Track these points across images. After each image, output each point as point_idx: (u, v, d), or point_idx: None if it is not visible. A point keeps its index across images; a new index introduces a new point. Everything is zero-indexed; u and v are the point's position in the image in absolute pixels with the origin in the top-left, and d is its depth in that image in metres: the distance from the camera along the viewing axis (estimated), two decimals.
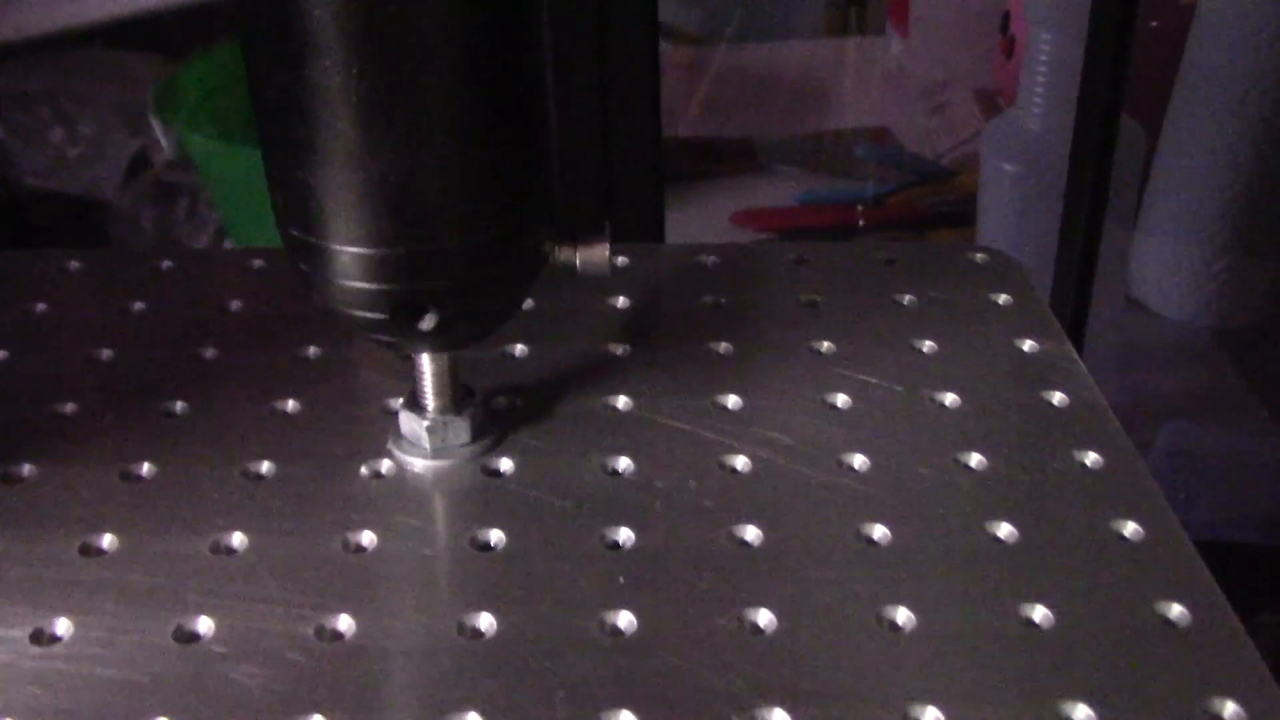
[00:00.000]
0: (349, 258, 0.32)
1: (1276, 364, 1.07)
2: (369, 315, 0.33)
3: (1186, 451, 0.93)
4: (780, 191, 1.25)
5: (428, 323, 0.33)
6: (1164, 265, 1.09)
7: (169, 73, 1.17)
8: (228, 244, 1.12)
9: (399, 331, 0.34)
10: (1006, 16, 1.18)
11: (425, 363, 0.36)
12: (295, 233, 0.33)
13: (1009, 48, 1.19)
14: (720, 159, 1.30)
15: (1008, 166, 0.93)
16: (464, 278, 0.33)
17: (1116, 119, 0.77)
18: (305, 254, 0.33)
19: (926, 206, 1.17)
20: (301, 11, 0.29)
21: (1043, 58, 0.89)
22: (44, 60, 1.22)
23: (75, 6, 1.21)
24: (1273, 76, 1.01)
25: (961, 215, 1.14)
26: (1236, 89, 1.01)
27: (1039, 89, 0.92)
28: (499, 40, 0.31)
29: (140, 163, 1.21)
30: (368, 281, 0.33)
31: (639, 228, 0.61)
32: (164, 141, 1.16)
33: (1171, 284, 1.08)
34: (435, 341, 0.35)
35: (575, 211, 0.37)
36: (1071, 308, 0.76)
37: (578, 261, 0.35)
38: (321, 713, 0.29)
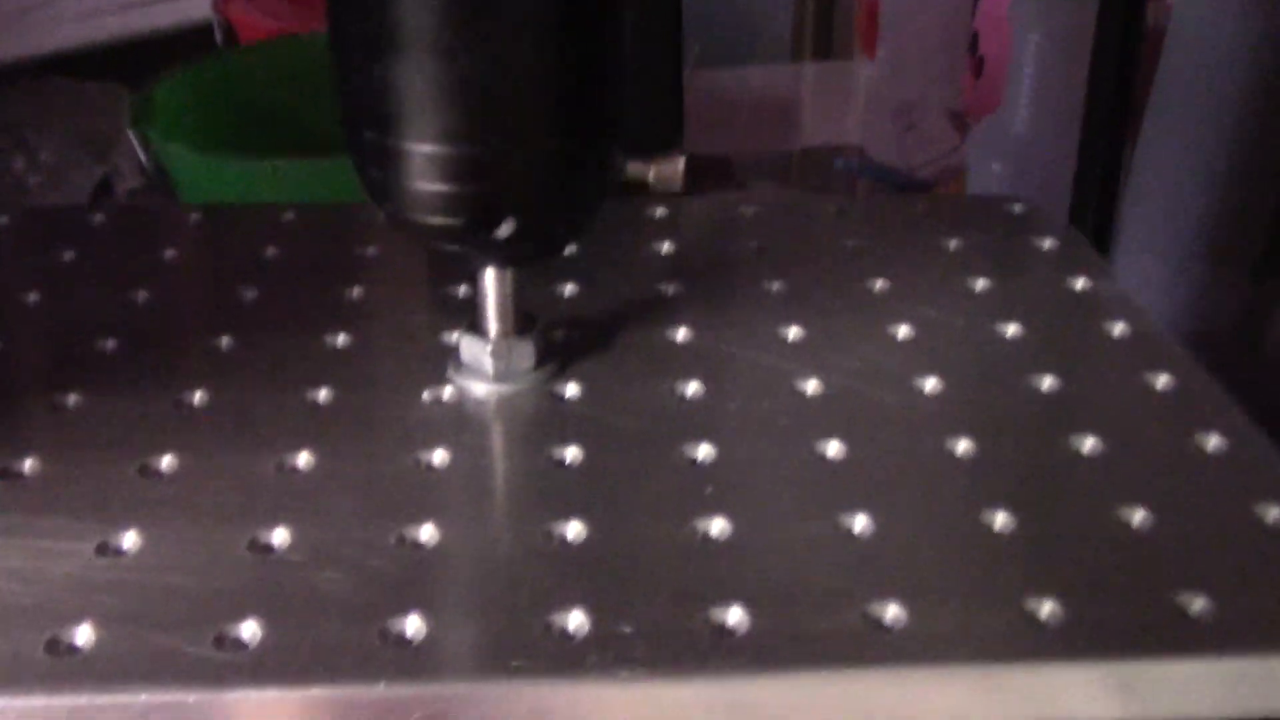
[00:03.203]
0: (427, 158, 0.31)
1: (1247, 370, 1.09)
2: (445, 221, 0.32)
3: None
4: None
5: (505, 230, 0.32)
6: (1138, 275, 1.10)
7: (141, 93, 1.15)
8: None
9: (473, 241, 0.33)
10: (975, 37, 1.20)
11: (490, 283, 0.35)
12: (369, 135, 0.32)
13: (978, 67, 1.21)
14: (699, 177, 1.30)
15: (996, 167, 0.94)
16: (543, 183, 0.32)
17: (1123, 127, 0.77)
18: (379, 157, 0.32)
19: None
20: None
21: (1029, 60, 0.90)
22: (3, 90, 1.20)
23: (35, 37, 1.20)
24: (1245, 91, 1.03)
25: None
26: (1210, 103, 1.03)
27: (1024, 92, 0.93)
28: None
29: (103, 191, 1.19)
30: (445, 183, 0.32)
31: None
32: (142, 156, 1.14)
33: (1146, 292, 1.09)
34: (507, 255, 0.34)
35: (648, 129, 0.36)
36: None
37: (651, 176, 0.34)
38: (413, 613, 0.27)
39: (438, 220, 0.32)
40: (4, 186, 1.22)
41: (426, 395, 0.36)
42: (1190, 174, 1.05)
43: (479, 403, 0.36)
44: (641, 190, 0.34)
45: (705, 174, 1.31)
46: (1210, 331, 1.09)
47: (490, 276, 0.35)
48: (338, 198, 0.82)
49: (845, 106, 1.39)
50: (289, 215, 0.46)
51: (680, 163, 0.34)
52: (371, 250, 0.44)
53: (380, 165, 0.32)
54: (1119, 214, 1.11)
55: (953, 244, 0.45)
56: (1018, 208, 0.48)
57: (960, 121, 1.26)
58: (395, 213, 0.33)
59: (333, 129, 0.33)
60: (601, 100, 0.33)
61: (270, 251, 0.44)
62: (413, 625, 0.27)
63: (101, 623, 0.27)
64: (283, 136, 1.05)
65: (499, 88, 0.31)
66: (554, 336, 0.38)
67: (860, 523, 0.31)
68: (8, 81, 1.22)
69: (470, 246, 0.33)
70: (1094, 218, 0.68)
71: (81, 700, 0.25)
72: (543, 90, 0.31)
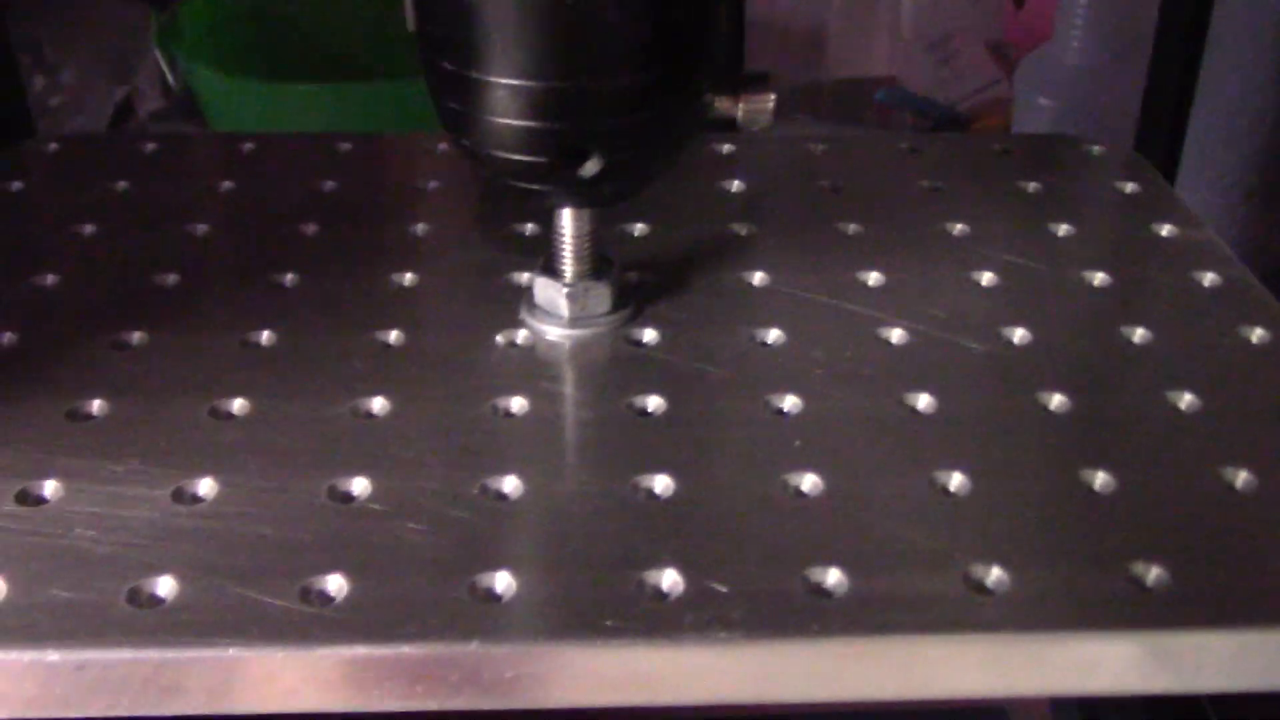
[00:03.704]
0: (511, 92, 0.30)
1: None
2: (528, 159, 0.31)
3: None
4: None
5: (590, 168, 0.31)
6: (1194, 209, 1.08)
7: (169, 12, 1.13)
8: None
9: (556, 179, 0.31)
10: None
11: (567, 223, 0.34)
12: (450, 67, 0.30)
13: None
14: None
15: (1044, 101, 0.92)
16: (629, 119, 0.31)
17: (1195, 74, 0.75)
18: (460, 90, 0.31)
19: None
20: None
21: None
22: (25, 7, 1.18)
23: None
24: None
25: None
26: (1270, 36, 1.00)
27: (1078, 22, 0.90)
28: None
29: (125, 112, 1.18)
30: (530, 119, 0.30)
31: None
32: (169, 77, 1.12)
33: None
34: (589, 194, 0.32)
35: (735, 65, 0.35)
36: None
37: (740, 112, 0.33)
38: (503, 569, 0.27)
39: (520, 157, 0.31)
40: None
41: (500, 339, 0.35)
42: (1244, 111, 1.03)
43: (554, 347, 0.35)
44: (730, 127, 0.33)
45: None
46: (1261, 267, 1.08)
47: (568, 216, 0.34)
48: (364, 124, 0.81)
49: (878, 36, 1.36)
50: (346, 146, 0.45)
51: (771, 99, 0.32)
52: (433, 184, 0.42)
53: (460, 98, 0.31)
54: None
55: (1031, 186, 0.43)
56: (1096, 150, 0.46)
57: (1001, 54, 1.23)
58: (474, 148, 0.32)
59: (358, 52, 0.31)
60: (688, 34, 0.31)
61: (328, 184, 0.42)
62: (502, 582, 0.26)
63: (183, 573, 0.26)
64: (308, 58, 1.03)
65: (585, 20, 0.29)
66: (628, 279, 0.37)
67: (955, 480, 0.30)
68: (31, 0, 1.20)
69: (553, 185, 0.32)
70: (1162, 154, 0.66)
71: (169, 654, 0.25)
72: (629, 24, 0.30)
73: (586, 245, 0.34)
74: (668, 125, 0.32)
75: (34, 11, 1.19)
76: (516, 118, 0.30)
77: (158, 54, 1.11)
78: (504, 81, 0.30)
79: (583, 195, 0.33)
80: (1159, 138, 0.66)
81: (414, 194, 0.42)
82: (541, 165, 0.31)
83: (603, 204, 0.34)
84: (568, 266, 0.34)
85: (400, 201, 0.41)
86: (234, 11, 1.10)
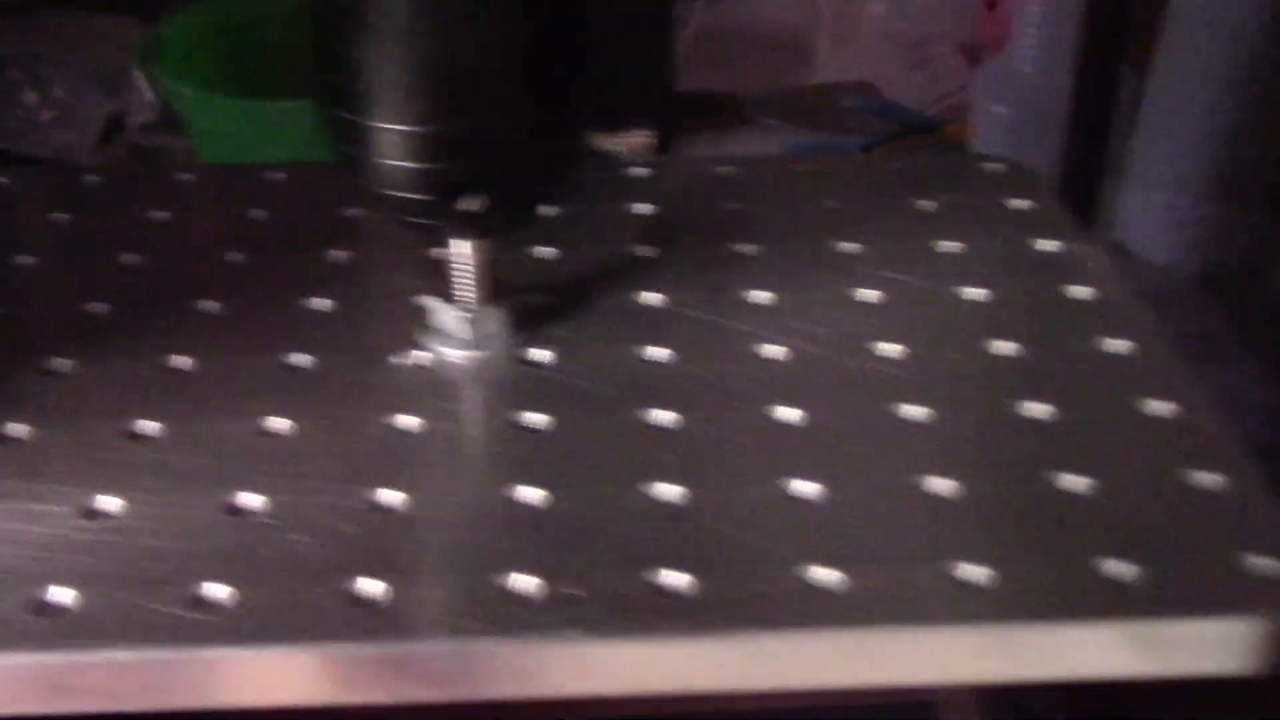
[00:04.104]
0: (395, 136, 0.32)
1: (1258, 306, 1.08)
2: (413, 197, 0.33)
3: None
4: (768, 145, 1.25)
5: (472, 204, 0.33)
6: (1150, 211, 1.09)
7: (149, 31, 1.16)
8: None
9: (442, 214, 0.34)
10: None
11: (462, 252, 0.36)
12: (343, 114, 0.33)
13: None
14: (706, 114, 1.30)
15: (1001, 110, 0.94)
16: (508, 159, 0.33)
17: (1118, 65, 0.77)
18: (351, 135, 0.33)
19: None
20: None
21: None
22: (16, 22, 1.21)
23: None
24: (1260, 24, 1.02)
25: None
26: (1224, 35, 1.02)
27: (1032, 31, 0.92)
28: None
29: (115, 126, 1.20)
30: (413, 160, 0.33)
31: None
32: (150, 95, 1.15)
33: (1157, 229, 1.09)
34: (476, 226, 0.35)
35: (620, 100, 0.37)
36: None
37: (622, 147, 0.35)
38: (378, 576, 0.29)
39: (407, 195, 0.33)
40: (17, 120, 1.23)
41: (402, 361, 0.37)
42: (1205, 109, 1.05)
43: (453, 367, 0.37)
44: (613, 163, 0.35)
45: (710, 110, 1.31)
46: (1223, 267, 1.09)
47: (463, 246, 0.36)
48: None
49: (855, 40, 1.38)
50: (279, 175, 0.47)
51: (649, 139, 0.35)
52: (356, 211, 0.45)
53: (350, 142, 0.33)
54: (1131, 152, 1.11)
55: (925, 204, 0.46)
56: (997, 167, 0.48)
57: (975, 55, 1.25)
58: (367, 188, 0.34)
59: None
60: (564, 76, 0.34)
61: (257, 213, 0.45)
62: (377, 588, 0.29)
63: (83, 583, 0.29)
64: (292, 78, 1.06)
65: (461, 68, 0.32)
66: (529, 300, 0.39)
67: (812, 489, 0.32)
68: (24, 13, 1.23)
69: (440, 220, 0.34)
70: (1087, 164, 0.68)
71: (66, 659, 0.27)
72: (504, 69, 0.32)
73: (483, 272, 0.37)
74: (544, 162, 0.34)
75: (26, 27, 1.21)
76: (401, 159, 0.33)
77: (137, 74, 1.13)
78: (388, 127, 0.32)
79: (470, 228, 0.35)
80: (1084, 149, 0.68)
81: (338, 221, 0.44)
82: (427, 203, 0.33)
83: (492, 235, 0.36)
84: (465, 293, 0.37)
85: (324, 229, 0.44)
86: (213, 30, 1.13)
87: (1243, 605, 0.29)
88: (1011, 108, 0.94)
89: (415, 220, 0.35)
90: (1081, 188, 0.73)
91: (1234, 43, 1.01)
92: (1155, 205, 1.09)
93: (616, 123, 0.35)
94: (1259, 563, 0.30)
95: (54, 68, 1.22)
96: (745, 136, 1.27)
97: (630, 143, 0.35)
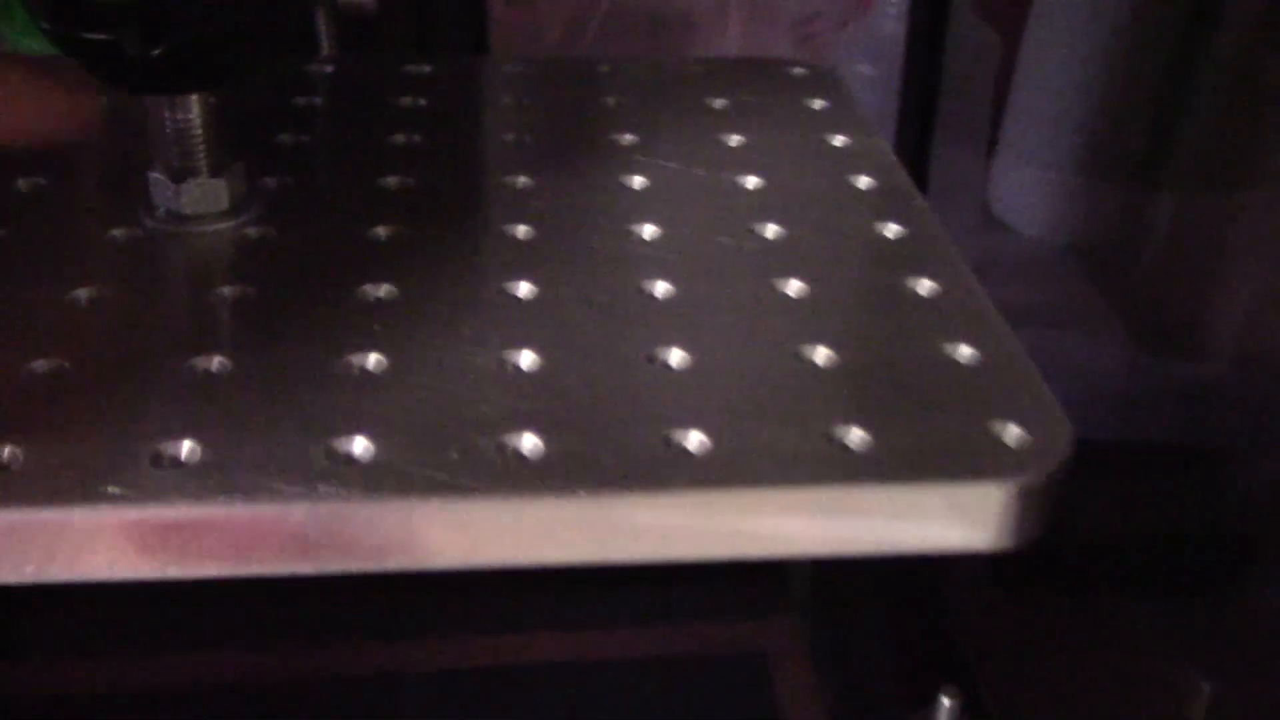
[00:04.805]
0: None
1: (1127, 277, 1.09)
2: (91, 36, 0.30)
3: (1043, 357, 0.93)
4: None
5: (153, 45, 0.30)
6: (1021, 185, 1.09)
7: None
8: None
9: (125, 60, 0.30)
10: None
11: (174, 111, 0.33)
12: None
13: None
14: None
15: (866, 69, 0.92)
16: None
17: (944, 23, 0.76)
18: None
19: None
20: None
21: None
22: None
23: None
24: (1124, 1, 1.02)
25: None
26: (1089, 12, 1.02)
27: None
28: None
29: None
30: None
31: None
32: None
33: (1028, 203, 1.09)
34: (171, 77, 0.32)
35: None
36: None
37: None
38: (15, 443, 0.26)
39: (86, 35, 0.30)
40: None
41: (115, 233, 0.33)
42: (1071, 84, 1.04)
43: (165, 243, 0.34)
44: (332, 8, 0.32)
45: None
46: (1092, 241, 1.09)
47: (177, 104, 0.33)
48: None
49: (741, 20, 1.37)
50: None
51: None
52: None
53: None
54: (1004, 126, 1.10)
55: (718, 103, 0.43)
56: (798, 71, 0.46)
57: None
58: (49, 30, 0.31)
59: None
60: None
61: None
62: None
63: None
64: None
65: None
66: (261, 183, 0.36)
67: (527, 358, 0.29)
68: None
69: (123, 69, 0.31)
70: (916, 121, 0.67)
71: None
72: None
73: (198, 137, 0.33)
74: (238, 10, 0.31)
75: None
76: None
77: None
78: None
79: (163, 80, 0.32)
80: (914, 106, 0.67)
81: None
82: (105, 46, 0.30)
83: (195, 90, 0.32)
84: (177, 160, 0.33)
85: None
86: None
87: (987, 472, 0.26)
88: (875, 66, 0.92)
89: (97, 74, 0.31)
90: (912, 144, 0.71)
91: (1099, 18, 1.01)
92: (1026, 179, 1.08)
93: None
94: (1007, 429, 0.27)
95: None
96: None
97: None
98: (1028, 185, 1.08)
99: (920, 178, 0.75)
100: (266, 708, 0.59)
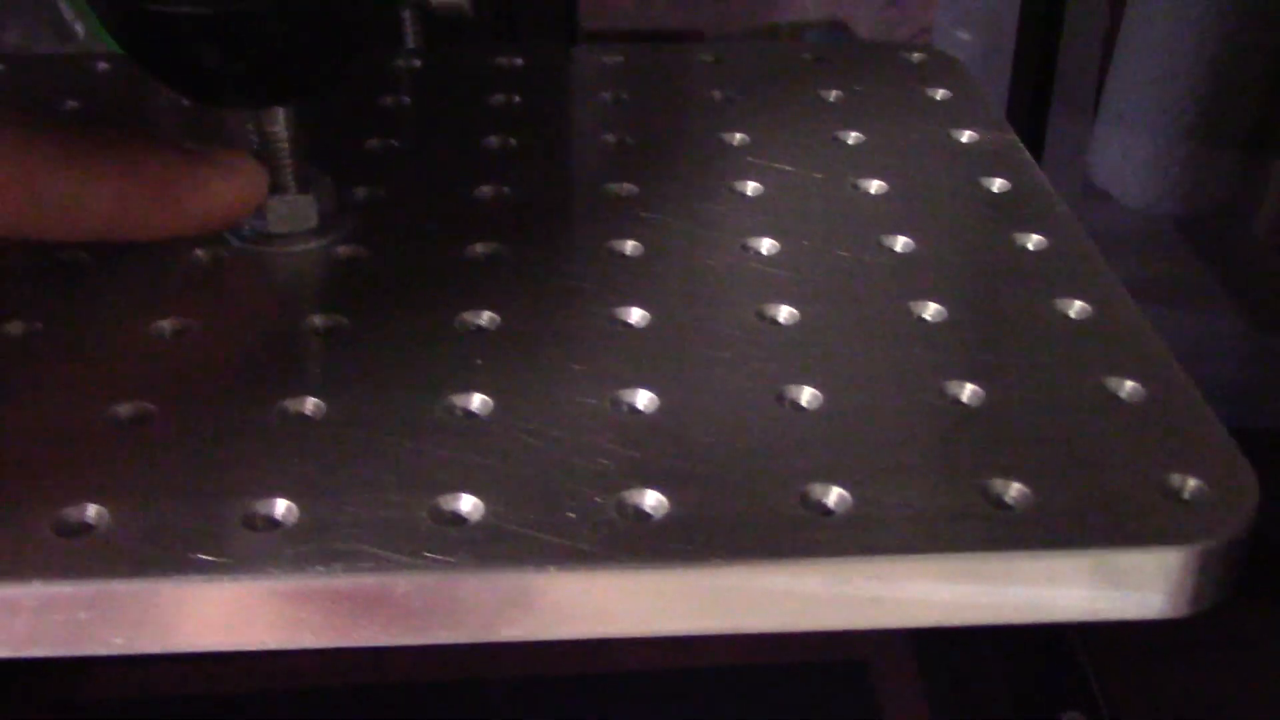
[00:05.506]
0: None
1: (1236, 250, 1.04)
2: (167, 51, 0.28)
3: None
4: None
5: (234, 60, 0.28)
6: (1125, 152, 1.04)
7: None
8: None
9: (206, 73, 0.28)
10: None
11: (260, 124, 0.31)
12: None
13: None
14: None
15: (964, 35, 0.88)
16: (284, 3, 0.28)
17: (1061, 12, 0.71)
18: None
19: None
20: None
21: None
22: None
23: None
24: None
25: None
26: None
27: None
28: None
29: None
30: (166, 4, 0.27)
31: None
32: (77, 27, 1.09)
33: (1133, 171, 1.04)
34: (253, 90, 0.29)
35: None
36: None
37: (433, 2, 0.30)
38: (100, 501, 0.24)
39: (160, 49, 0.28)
40: None
41: (200, 253, 0.31)
42: (1179, 48, 0.99)
43: (251, 262, 0.32)
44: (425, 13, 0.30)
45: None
46: (1199, 209, 1.04)
47: (262, 119, 0.31)
48: None
49: None
50: (102, 65, 0.42)
51: None
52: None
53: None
54: (1106, 91, 1.05)
55: (833, 94, 0.40)
56: (917, 56, 0.43)
57: None
58: (120, 39, 0.28)
59: None
60: None
61: (72, 103, 0.39)
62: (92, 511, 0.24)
63: None
64: None
65: None
66: (353, 195, 0.34)
67: (644, 399, 0.27)
68: None
69: (203, 83, 0.29)
70: (1034, 91, 0.63)
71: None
72: None
73: (285, 150, 0.31)
74: (336, 12, 0.28)
75: None
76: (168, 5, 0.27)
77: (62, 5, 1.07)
78: None
79: (244, 93, 0.29)
80: (1031, 76, 0.63)
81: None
82: (184, 58, 0.28)
83: (277, 101, 0.30)
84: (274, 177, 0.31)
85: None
86: None
87: (1164, 536, 0.23)
88: (974, 33, 0.88)
89: (175, 87, 0.29)
90: (1027, 116, 0.67)
91: None
92: (1130, 146, 1.03)
93: None
94: (1185, 483, 0.24)
95: (6, 13, 1.16)
96: None
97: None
98: (1132, 152, 1.03)
99: (1035, 143, 0.71)
100: (349, 713, 0.58)
